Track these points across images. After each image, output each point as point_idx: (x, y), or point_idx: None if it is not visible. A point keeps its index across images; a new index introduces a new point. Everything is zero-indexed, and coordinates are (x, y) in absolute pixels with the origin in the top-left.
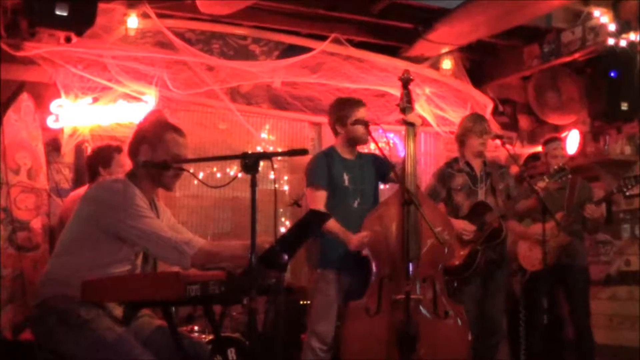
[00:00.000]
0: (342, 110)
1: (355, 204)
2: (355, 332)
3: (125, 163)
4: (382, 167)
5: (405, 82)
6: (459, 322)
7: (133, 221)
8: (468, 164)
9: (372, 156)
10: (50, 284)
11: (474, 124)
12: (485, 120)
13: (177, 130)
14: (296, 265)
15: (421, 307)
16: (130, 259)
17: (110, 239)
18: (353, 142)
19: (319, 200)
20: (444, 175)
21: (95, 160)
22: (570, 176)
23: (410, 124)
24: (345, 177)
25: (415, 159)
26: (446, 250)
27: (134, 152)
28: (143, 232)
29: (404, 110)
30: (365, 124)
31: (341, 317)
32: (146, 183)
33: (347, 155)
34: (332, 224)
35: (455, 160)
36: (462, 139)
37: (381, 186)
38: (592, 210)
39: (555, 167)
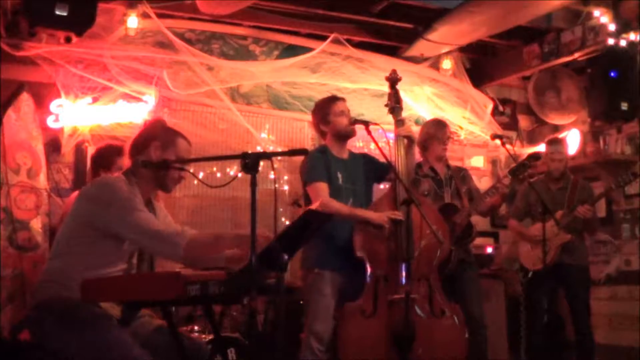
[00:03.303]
0: (322, 109)
1: (349, 203)
2: (352, 334)
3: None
4: (375, 167)
5: (393, 82)
6: (456, 320)
7: (123, 215)
8: (432, 169)
9: (364, 156)
10: (48, 286)
11: (436, 130)
12: (446, 126)
13: (186, 138)
14: (296, 265)
15: (417, 307)
16: (126, 258)
17: (105, 238)
18: (340, 137)
19: (322, 192)
20: (411, 182)
21: (97, 162)
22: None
23: (407, 137)
24: (339, 175)
25: (406, 162)
26: (440, 249)
27: (139, 148)
28: (133, 225)
29: (392, 111)
30: (366, 124)
31: (337, 317)
32: (144, 183)
33: (340, 154)
34: (339, 206)
35: (419, 165)
36: (424, 144)
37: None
38: (584, 211)
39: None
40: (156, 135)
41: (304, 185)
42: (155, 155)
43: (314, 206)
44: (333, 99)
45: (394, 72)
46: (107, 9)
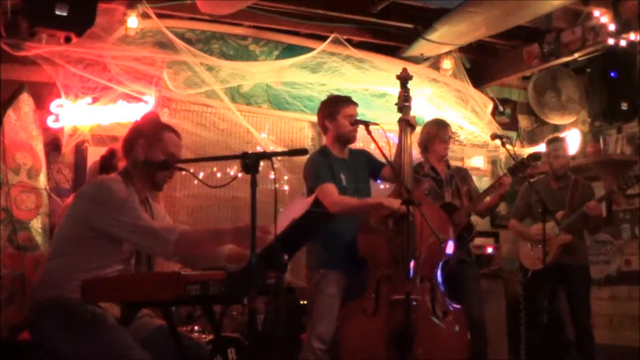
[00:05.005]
0: (333, 106)
1: None
2: (353, 333)
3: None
4: (373, 164)
5: (404, 81)
6: (458, 322)
7: (117, 214)
8: (433, 169)
9: (362, 152)
10: (46, 287)
11: (437, 130)
12: (447, 125)
13: (174, 130)
14: (296, 265)
15: (419, 307)
16: (124, 259)
17: (102, 239)
18: (342, 139)
19: (332, 192)
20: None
21: (108, 162)
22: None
23: (408, 123)
24: (343, 176)
25: (411, 155)
26: (444, 247)
27: (128, 148)
28: (126, 224)
29: (401, 110)
30: (366, 124)
31: (340, 317)
32: (140, 181)
33: (340, 154)
34: (349, 200)
35: (420, 165)
36: (426, 144)
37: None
38: (594, 207)
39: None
40: (141, 133)
41: (309, 191)
42: (142, 153)
43: (310, 199)
44: (347, 100)
45: (405, 70)
46: (107, 9)
